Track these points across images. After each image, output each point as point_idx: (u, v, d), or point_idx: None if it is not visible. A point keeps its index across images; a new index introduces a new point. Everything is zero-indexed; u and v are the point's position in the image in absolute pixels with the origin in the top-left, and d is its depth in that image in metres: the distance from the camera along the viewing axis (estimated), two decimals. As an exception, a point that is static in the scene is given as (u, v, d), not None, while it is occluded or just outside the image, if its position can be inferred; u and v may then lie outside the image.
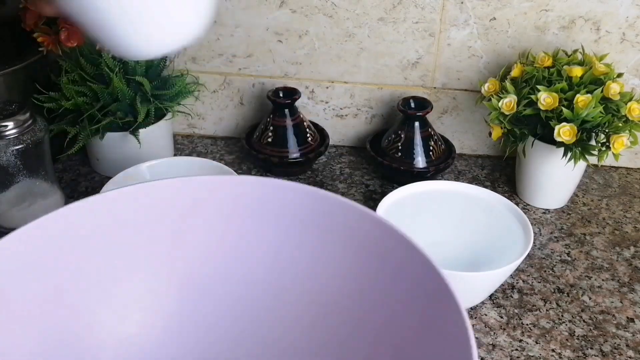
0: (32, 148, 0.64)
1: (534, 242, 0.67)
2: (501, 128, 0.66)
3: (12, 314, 0.40)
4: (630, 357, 0.55)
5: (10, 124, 0.62)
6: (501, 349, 0.55)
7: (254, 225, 0.46)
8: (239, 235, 0.47)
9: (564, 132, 0.61)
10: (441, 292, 0.37)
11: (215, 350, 0.47)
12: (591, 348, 0.55)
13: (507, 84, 0.66)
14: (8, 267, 0.40)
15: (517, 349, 0.55)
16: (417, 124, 0.73)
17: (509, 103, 0.64)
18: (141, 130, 0.70)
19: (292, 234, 0.46)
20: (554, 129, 0.62)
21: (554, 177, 0.69)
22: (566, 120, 0.62)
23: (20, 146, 0.62)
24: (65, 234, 0.43)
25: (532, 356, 0.55)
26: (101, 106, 0.69)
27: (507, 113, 0.65)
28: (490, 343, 0.56)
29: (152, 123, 0.72)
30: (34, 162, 0.65)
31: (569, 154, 0.63)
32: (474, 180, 0.77)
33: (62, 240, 0.43)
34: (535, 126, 0.65)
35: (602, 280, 0.63)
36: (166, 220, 0.46)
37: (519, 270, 0.63)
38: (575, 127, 0.61)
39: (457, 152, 0.80)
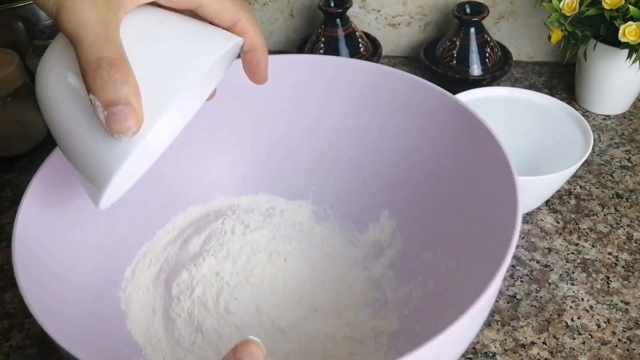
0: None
1: (592, 149, 0.66)
2: (561, 30, 0.64)
3: None
4: (689, 260, 0.54)
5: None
6: (557, 252, 0.56)
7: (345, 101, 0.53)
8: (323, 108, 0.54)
9: (630, 31, 0.58)
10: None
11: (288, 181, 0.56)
12: (649, 251, 0.55)
13: (570, -18, 0.63)
14: None
15: (573, 252, 0.56)
16: (472, 29, 0.71)
17: (570, 3, 0.61)
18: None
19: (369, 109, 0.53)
20: (618, 30, 0.59)
21: (616, 82, 0.67)
22: (632, 19, 0.59)
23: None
24: None
25: (588, 259, 0.55)
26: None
27: (568, 14, 0.62)
28: (546, 247, 0.56)
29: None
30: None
31: (634, 55, 0.60)
32: (532, 88, 0.75)
33: None
34: (598, 27, 0.63)
35: (664, 185, 0.62)
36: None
37: (576, 177, 0.63)
38: (642, 27, 0.58)
39: (514, 59, 0.78)
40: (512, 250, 0.36)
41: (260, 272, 0.48)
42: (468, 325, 0.34)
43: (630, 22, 0.59)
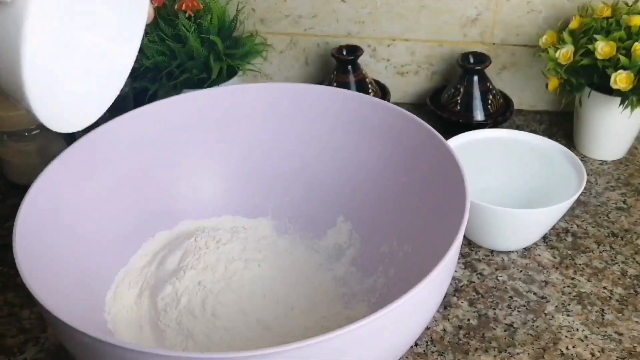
0: (118, 102, 0.70)
1: (590, 191, 0.69)
2: (558, 79, 0.68)
3: (109, 187, 0.54)
4: (682, 296, 0.56)
5: (99, 79, 0.68)
6: (553, 286, 0.58)
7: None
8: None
9: (621, 79, 0.62)
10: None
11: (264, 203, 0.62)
12: (643, 286, 0.57)
13: (565, 34, 0.67)
14: (108, 150, 0.54)
15: (569, 286, 0.58)
16: (476, 78, 0.76)
17: (565, 53, 0.66)
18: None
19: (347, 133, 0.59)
20: (610, 78, 0.63)
21: (611, 128, 0.70)
22: (623, 68, 0.63)
23: (108, 100, 0.69)
24: (161, 124, 0.57)
25: (584, 292, 0.57)
26: (178, 64, 0.75)
27: (563, 63, 0.66)
28: (543, 280, 0.58)
29: (225, 80, 0.77)
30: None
31: (626, 102, 0.64)
32: (532, 134, 0.79)
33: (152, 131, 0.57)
34: (591, 76, 0.67)
35: (658, 226, 0.64)
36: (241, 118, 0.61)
37: (573, 216, 0.66)
38: (632, 75, 0.62)
39: (516, 107, 0.82)
40: (464, 225, 0.42)
41: (240, 278, 0.52)
42: (431, 286, 0.39)
43: (620, 71, 0.63)
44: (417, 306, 0.39)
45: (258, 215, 0.61)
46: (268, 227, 0.60)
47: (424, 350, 0.52)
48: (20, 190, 0.71)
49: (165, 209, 0.58)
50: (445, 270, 0.40)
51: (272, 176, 0.61)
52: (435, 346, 0.52)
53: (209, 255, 0.53)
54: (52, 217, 0.48)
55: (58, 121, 0.38)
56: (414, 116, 0.54)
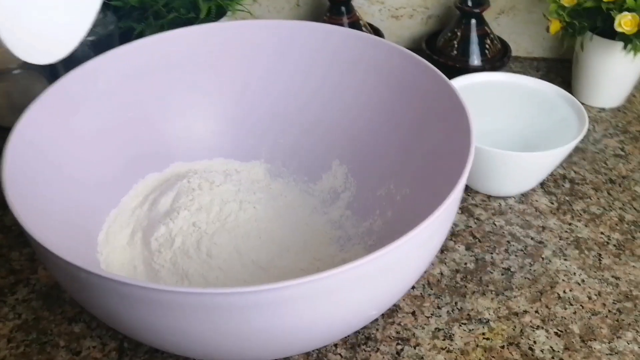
0: (103, 40, 0.67)
1: (587, 138, 0.68)
2: (560, 21, 0.66)
3: (97, 127, 0.52)
4: (679, 241, 0.56)
5: (83, 16, 0.65)
6: (551, 231, 0.57)
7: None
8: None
9: (625, 22, 0.61)
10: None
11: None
12: (640, 232, 0.57)
13: (568, -25, 0.65)
14: (95, 89, 0.52)
15: (566, 231, 0.57)
16: (473, 21, 0.74)
17: (569, -6, 0.64)
18: (203, 27, 0.73)
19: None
20: (614, 21, 0.62)
21: (612, 74, 0.69)
22: (628, 10, 0.61)
23: (92, 37, 0.66)
24: (150, 62, 0.55)
25: (581, 238, 0.57)
26: (165, 3, 0.72)
27: (567, 5, 0.64)
28: (541, 225, 0.58)
29: (213, 21, 0.74)
30: (104, 55, 0.69)
31: (629, 46, 0.63)
32: (529, 81, 0.77)
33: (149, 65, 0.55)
34: (595, 19, 0.65)
35: (655, 172, 0.64)
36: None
37: (571, 162, 0.65)
38: (638, 17, 0.60)
39: (513, 54, 0.80)
40: (468, 167, 0.41)
41: (235, 219, 0.51)
42: (433, 229, 0.38)
43: (625, 13, 0.61)
44: (417, 249, 0.38)
45: (251, 159, 0.59)
46: (261, 170, 0.59)
47: (421, 293, 0.51)
48: (4, 132, 0.68)
49: (155, 150, 0.56)
50: (447, 213, 0.39)
51: (266, 118, 0.59)
52: (432, 289, 0.52)
53: (203, 196, 0.52)
54: (40, 157, 0.46)
55: (30, 52, 0.36)
56: (415, 55, 0.52)
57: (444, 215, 0.39)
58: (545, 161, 0.56)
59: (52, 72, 0.69)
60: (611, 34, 0.63)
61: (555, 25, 0.66)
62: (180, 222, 0.49)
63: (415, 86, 0.52)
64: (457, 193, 0.39)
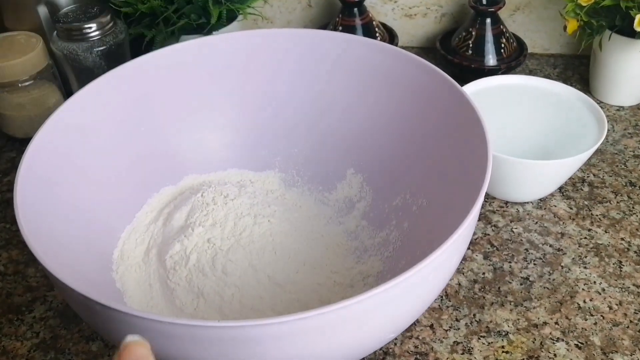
0: (114, 49, 0.67)
1: (606, 139, 0.67)
2: (577, 21, 0.64)
3: (110, 141, 0.52)
4: (702, 246, 0.55)
5: (94, 26, 0.65)
6: (570, 237, 0.56)
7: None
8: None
9: (645, 21, 0.59)
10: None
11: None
12: (662, 237, 0.56)
13: (586, -27, 0.63)
14: (108, 103, 0.52)
15: (585, 238, 0.56)
16: (488, 20, 0.72)
17: (586, -7, 0.62)
18: (214, 33, 0.72)
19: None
20: (634, 19, 0.60)
21: (631, 72, 0.67)
22: (648, 9, 0.60)
23: (103, 47, 0.66)
24: (156, 74, 0.54)
25: (601, 244, 0.56)
26: (175, 9, 0.71)
27: (584, 4, 0.63)
28: (559, 232, 0.57)
29: (224, 25, 0.73)
30: (115, 64, 0.68)
31: (649, 45, 0.61)
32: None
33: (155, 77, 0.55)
34: (613, 18, 0.63)
35: (677, 174, 0.62)
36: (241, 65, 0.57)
37: (589, 165, 0.64)
38: (658, 16, 0.59)
39: (529, 51, 0.78)
40: (487, 180, 0.40)
41: (249, 234, 0.50)
42: (452, 250, 0.37)
43: (645, 12, 0.59)
44: (440, 266, 0.37)
45: (265, 169, 0.59)
46: (276, 180, 0.58)
47: (439, 305, 0.51)
48: (16, 143, 0.69)
49: (169, 163, 0.56)
50: (469, 227, 0.38)
51: (279, 127, 0.58)
52: (450, 301, 0.51)
53: (217, 211, 0.51)
54: (54, 175, 0.45)
55: None
56: (430, 64, 0.51)
57: (466, 232, 0.38)
58: (564, 169, 0.55)
59: (64, 83, 0.69)
60: (630, 32, 0.62)
61: (572, 25, 0.65)
62: (195, 238, 0.49)
63: (431, 96, 0.51)
64: (476, 210, 0.39)
